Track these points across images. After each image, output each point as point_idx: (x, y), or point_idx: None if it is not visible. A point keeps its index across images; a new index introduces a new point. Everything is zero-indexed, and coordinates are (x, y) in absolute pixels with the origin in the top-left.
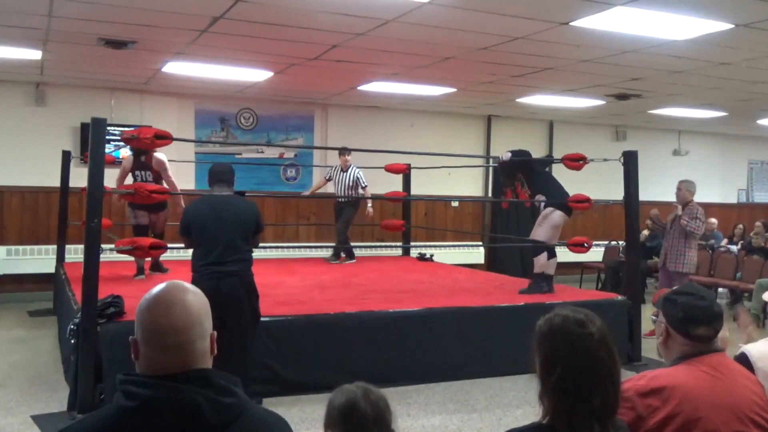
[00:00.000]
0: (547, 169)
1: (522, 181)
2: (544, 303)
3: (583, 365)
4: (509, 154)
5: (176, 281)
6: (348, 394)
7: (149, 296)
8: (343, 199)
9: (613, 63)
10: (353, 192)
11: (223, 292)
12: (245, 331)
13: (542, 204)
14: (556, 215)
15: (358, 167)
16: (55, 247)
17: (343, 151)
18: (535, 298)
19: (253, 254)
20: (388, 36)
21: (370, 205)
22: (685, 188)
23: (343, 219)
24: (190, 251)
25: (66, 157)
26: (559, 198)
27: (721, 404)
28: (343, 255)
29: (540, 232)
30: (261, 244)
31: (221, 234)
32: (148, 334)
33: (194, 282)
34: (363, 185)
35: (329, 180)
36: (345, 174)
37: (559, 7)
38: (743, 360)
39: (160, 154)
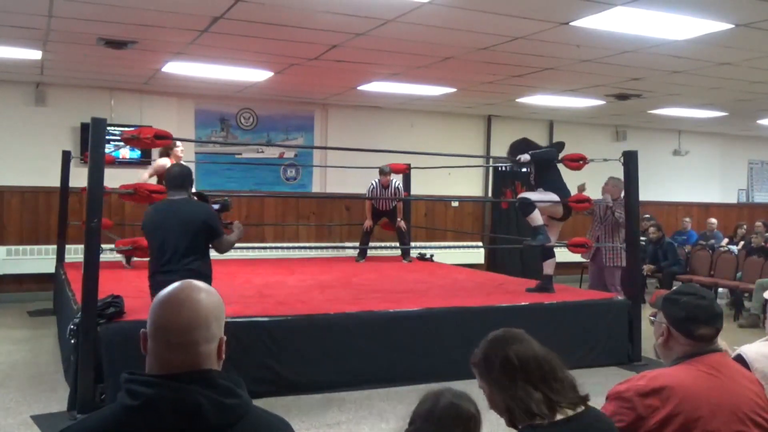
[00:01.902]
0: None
1: (531, 171)
2: (542, 303)
3: (538, 360)
4: (528, 156)
5: (193, 281)
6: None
7: (163, 293)
8: (386, 208)
9: (613, 63)
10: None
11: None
12: None
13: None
14: (554, 197)
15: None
16: (55, 247)
17: (385, 171)
18: (535, 297)
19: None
20: (388, 36)
21: (400, 218)
22: (613, 185)
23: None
24: None
25: (66, 157)
26: (563, 197)
27: (722, 404)
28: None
29: (533, 195)
30: (261, 244)
31: (166, 241)
32: (155, 330)
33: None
34: (400, 196)
35: (372, 198)
36: (387, 190)
37: (559, 7)
38: (739, 362)
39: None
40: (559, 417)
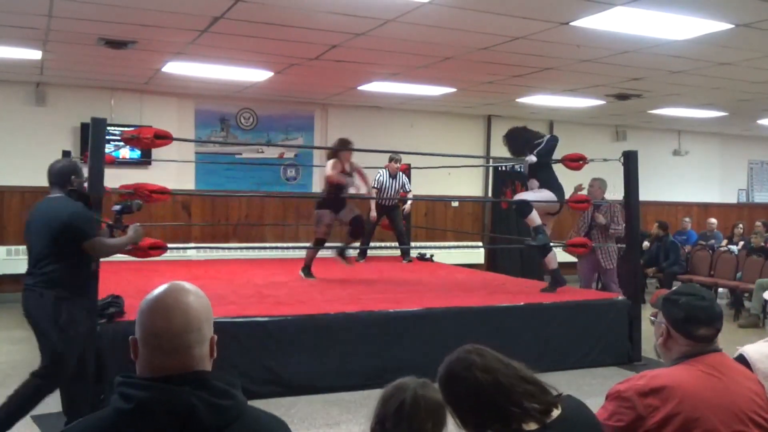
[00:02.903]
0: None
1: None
2: (542, 303)
3: (483, 386)
4: (534, 158)
5: (180, 283)
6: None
7: (151, 297)
8: (390, 203)
9: (613, 63)
10: (398, 196)
11: (23, 307)
12: (56, 362)
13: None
14: (550, 195)
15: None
16: None
17: (395, 158)
18: (544, 297)
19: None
20: (388, 36)
21: (410, 203)
22: (598, 186)
23: (399, 221)
24: (191, 252)
25: (66, 157)
26: (558, 192)
27: (721, 404)
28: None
29: (528, 195)
30: (261, 244)
31: (31, 243)
32: (146, 336)
33: None
34: (408, 189)
35: (379, 188)
36: (394, 180)
37: (559, 7)
38: (741, 361)
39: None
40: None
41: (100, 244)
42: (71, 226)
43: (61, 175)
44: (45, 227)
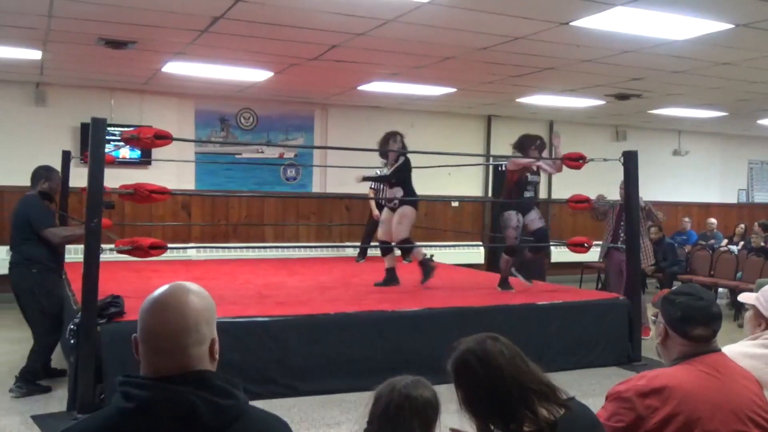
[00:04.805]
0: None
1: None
2: (542, 303)
3: (501, 380)
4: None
5: (181, 283)
6: (389, 385)
7: (151, 297)
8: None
9: (613, 63)
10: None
11: (10, 280)
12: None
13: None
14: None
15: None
16: None
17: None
18: (543, 297)
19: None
20: (388, 36)
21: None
22: None
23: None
24: (191, 252)
25: (66, 157)
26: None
27: (721, 404)
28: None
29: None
30: (261, 244)
31: (10, 230)
32: (144, 335)
33: None
34: None
35: (376, 188)
36: None
37: (559, 7)
38: None
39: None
40: (527, 429)
41: (49, 232)
42: (28, 219)
43: (32, 177)
44: (14, 219)
